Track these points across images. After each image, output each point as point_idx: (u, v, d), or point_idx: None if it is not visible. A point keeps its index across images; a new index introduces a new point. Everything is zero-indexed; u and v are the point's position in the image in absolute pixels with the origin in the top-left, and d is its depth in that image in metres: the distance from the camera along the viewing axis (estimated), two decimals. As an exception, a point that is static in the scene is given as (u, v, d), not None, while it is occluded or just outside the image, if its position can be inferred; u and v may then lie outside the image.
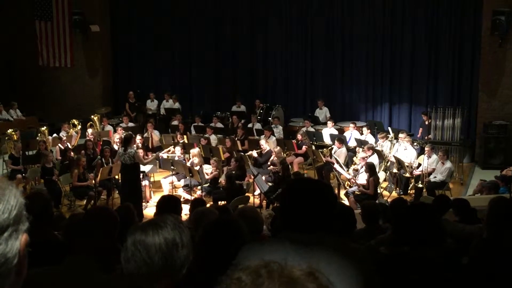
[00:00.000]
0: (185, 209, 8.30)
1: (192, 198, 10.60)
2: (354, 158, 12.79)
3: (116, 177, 11.55)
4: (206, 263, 2.54)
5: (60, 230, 4.14)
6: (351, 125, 14.61)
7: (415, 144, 13.15)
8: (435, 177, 11.74)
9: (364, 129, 14.32)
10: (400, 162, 12.08)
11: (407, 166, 12.02)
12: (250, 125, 15.74)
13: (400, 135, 13.11)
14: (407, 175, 12.04)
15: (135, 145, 12.73)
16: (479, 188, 10.92)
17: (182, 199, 11.20)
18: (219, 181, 11.85)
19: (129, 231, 1.83)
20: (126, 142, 10.64)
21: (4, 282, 1.07)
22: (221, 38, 18.30)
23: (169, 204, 4.71)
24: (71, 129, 15.21)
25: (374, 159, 11.89)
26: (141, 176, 11.63)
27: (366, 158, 11.52)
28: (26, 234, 1.11)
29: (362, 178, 11.09)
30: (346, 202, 10.72)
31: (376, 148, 13.19)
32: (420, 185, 11.60)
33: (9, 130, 14.51)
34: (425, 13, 15.93)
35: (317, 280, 1.08)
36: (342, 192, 11.63)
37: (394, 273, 2.96)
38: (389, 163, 12.77)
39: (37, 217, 3.51)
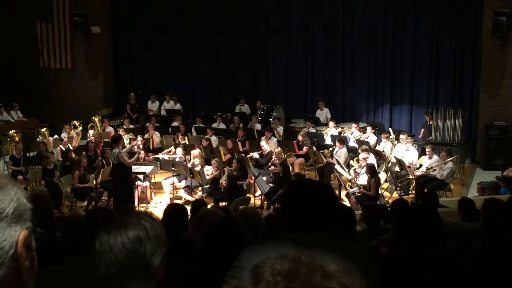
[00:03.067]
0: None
1: (193, 199, 10.60)
2: (351, 162, 12.74)
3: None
4: (207, 264, 2.54)
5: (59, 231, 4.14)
6: (354, 125, 14.62)
7: (413, 145, 13.15)
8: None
9: (368, 128, 14.33)
10: (401, 163, 12.08)
11: (408, 167, 12.02)
12: (249, 126, 15.77)
13: (401, 136, 13.13)
14: (410, 176, 12.04)
15: (135, 146, 12.77)
16: (480, 191, 10.90)
17: (183, 200, 11.21)
18: (220, 182, 11.85)
19: (97, 234, 1.88)
20: (113, 142, 10.67)
21: None
22: (222, 39, 18.31)
23: (174, 212, 4.70)
24: (72, 130, 15.22)
25: (371, 160, 11.88)
26: (141, 177, 11.63)
27: (366, 159, 11.51)
28: (27, 231, 1.11)
29: (363, 179, 11.08)
30: (347, 203, 10.71)
31: (377, 149, 13.22)
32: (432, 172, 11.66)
33: (11, 131, 14.52)
34: (426, 13, 15.93)
35: (352, 277, 1.12)
36: (343, 193, 11.62)
37: (395, 274, 2.96)
38: (390, 164, 12.77)
39: (38, 219, 3.51)
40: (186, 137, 14.55)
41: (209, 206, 10.71)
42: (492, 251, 3.40)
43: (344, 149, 12.78)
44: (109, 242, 1.82)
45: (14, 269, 1.08)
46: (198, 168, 11.69)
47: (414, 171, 12.07)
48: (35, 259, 1.15)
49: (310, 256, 1.14)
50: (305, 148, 13.56)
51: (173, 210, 4.81)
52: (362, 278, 2.02)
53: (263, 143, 13.31)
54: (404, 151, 12.68)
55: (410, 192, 12.15)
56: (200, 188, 11.69)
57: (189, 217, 5.97)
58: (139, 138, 13.66)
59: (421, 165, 12.30)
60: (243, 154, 13.05)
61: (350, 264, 2.04)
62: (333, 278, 1.09)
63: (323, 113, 16.39)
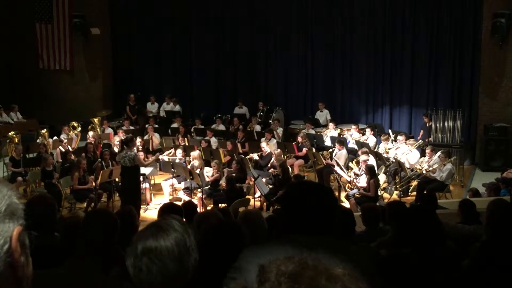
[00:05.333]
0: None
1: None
2: (350, 164, 12.74)
3: (117, 179, 11.55)
4: (206, 265, 2.54)
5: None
6: (353, 126, 14.62)
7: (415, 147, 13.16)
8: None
9: (367, 130, 14.34)
10: (401, 164, 12.07)
11: (411, 169, 12.04)
12: (248, 127, 15.76)
13: (399, 137, 13.18)
14: (424, 176, 12.02)
15: (135, 148, 12.75)
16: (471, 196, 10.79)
17: (182, 202, 11.20)
18: (219, 183, 11.84)
19: (137, 238, 1.79)
20: (126, 144, 10.63)
21: None
22: (222, 40, 18.32)
23: (169, 212, 4.70)
24: (71, 132, 15.22)
25: (371, 161, 11.87)
26: (141, 179, 11.63)
27: (366, 161, 11.50)
28: (21, 227, 1.13)
29: (363, 181, 11.08)
30: (346, 204, 10.71)
31: (377, 150, 13.22)
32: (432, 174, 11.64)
33: (10, 133, 14.52)
34: (425, 15, 15.95)
35: (357, 281, 1.12)
36: (343, 195, 11.61)
37: (395, 275, 2.96)
38: (389, 164, 12.77)
39: (41, 220, 3.50)
40: (185, 139, 14.55)
41: (208, 208, 10.75)
42: (493, 251, 3.39)
43: (344, 151, 12.78)
44: (158, 248, 1.73)
45: (10, 265, 1.10)
46: (197, 170, 11.68)
47: (421, 167, 12.08)
48: (29, 258, 1.16)
49: (317, 259, 1.14)
50: (304, 150, 13.56)
51: (168, 210, 4.82)
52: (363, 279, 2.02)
53: (263, 144, 13.30)
54: (405, 152, 12.70)
55: (409, 194, 12.16)
56: (199, 190, 11.68)
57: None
58: (139, 139, 13.65)
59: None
60: (242, 156, 13.04)
61: (350, 266, 2.04)
62: (337, 281, 1.09)
63: (322, 115, 16.39)
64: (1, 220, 1.09)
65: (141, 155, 12.60)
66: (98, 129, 15.82)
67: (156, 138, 14.95)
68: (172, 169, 11.89)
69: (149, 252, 1.73)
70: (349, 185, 11.85)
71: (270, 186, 11.52)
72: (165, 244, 1.73)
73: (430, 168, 11.94)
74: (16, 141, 14.13)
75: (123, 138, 13.39)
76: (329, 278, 1.09)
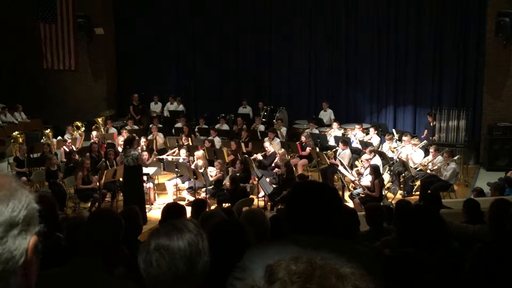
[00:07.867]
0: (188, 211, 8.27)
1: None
2: (356, 162, 12.73)
3: (121, 179, 11.57)
4: (210, 264, 2.54)
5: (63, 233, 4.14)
6: (357, 126, 14.61)
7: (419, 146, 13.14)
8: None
9: (371, 129, 14.32)
10: (405, 164, 12.05)
11: (415, 168, 12.02)
12: (252, 127, 15.76)
13: (404, 138, 13.15)
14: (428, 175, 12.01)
15: (139, 148, 12.77)
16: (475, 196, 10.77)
17: (186, 201, 11.21)
18: (223, 183, 11.84)
19: (151, 234, 1.81)
20: (129, 143, 10.63)
21: (9, 280, 1.04)
22: (225, 40, 18.31)
23: (173, 211, 4.70)
24: (75, 131, 15.25)
25: (377, 161, 11.86)
26: (145, 178, 11.64)
27: (369, 160, 11.49)
28: (36, 236, 1.10)
29: (367, 180, 11.06)
30: (350, 204, 10.70)
31: (381, 150, 13.19)
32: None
33: (15, 133, 14.55)
34: (429, 14, 15.91)
35: (366, 281, 1.13)
36: (347, 194, 11.60)
37: (399, 275, 2.95)
38: (393, 164, 12.76)
39: (42, 220, 3.51)
40: (189, 138, 14.55)
41: (212, 207, 10.76)
42: (495, 251, 3.38)
43: (348, 151, 12.77)
44: (170, 247, 1.75)
45: (24, 274, 1.07)
46: (201, 170, 11.69)
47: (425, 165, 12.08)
48: (39, 261, 1.15)
49: (324, 259, 1.14)
50: (308, 149, 13.55)
51: (171, 209, 4.81)
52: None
53: (266, 144, 13.29)
54: (409, 152, 12.69)
55: (413, 193, 12.14)
56: (203, 189, 11.69)
57: (190, 217, 5.96)
58: (143, 139, 13.66)
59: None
60: (246, 155, 13.04)
61: (354, 265, 2.04)
62: (348, 281, 1.09)
63: (326, 114, 16.38)
64: (19, 233, 1.06)
65: (145, 155, 12.62)
66: (102, 129, 15.83)
67: (160, 138, 14.96)
68: (176, 169, 11.91)
69: (161, 249, 1.76)
70: (353, 185, 11.83)
71: (274, 186, 11.52)
72: (178, 243, 1.76)
73: (434, 167, 11.93)
74: (20, 141, 14.16)
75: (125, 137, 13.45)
76: (338, 277, 1.09)
